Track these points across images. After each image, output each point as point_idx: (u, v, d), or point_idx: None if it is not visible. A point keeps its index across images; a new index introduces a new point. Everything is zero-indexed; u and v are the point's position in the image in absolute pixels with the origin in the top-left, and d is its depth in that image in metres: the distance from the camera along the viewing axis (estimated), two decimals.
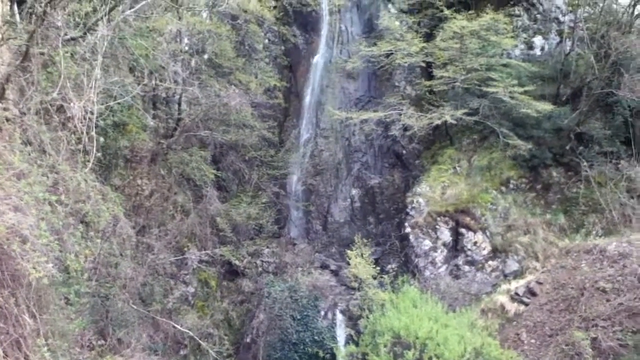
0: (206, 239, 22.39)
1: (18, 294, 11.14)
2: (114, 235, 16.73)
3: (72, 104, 12.83)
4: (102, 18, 13.23)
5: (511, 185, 22.39)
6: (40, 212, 11.36)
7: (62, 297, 14.10)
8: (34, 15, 13.37)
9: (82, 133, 12.58)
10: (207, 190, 22.73)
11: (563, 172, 22.23)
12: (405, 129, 23.73)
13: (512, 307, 19.13)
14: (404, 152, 26.22)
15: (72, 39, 13.64)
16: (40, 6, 12.81)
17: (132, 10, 14.96)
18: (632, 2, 21.58)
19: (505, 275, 20.57)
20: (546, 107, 21.17)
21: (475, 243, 21.26)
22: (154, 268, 19.91)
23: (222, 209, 22.95)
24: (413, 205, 22.67)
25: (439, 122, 22.29)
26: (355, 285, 20.40)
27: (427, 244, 21.80)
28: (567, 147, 21.95)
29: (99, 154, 13.66)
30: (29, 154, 12.48)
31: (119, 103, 16.24)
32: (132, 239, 18.18)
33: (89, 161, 13.00)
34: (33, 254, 10.46)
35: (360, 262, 20.38)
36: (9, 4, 14.44)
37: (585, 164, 21.15)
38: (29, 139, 12.85)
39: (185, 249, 21.71)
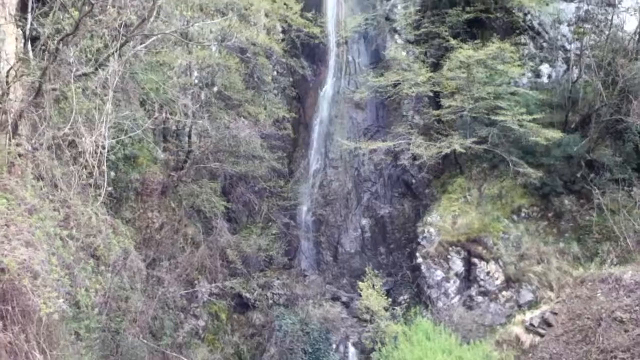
0: (216, 271, 22.30)
1: (28, 330, 11.08)
2: (125, 268, 16.68)
3: (83, 139, 12.96)
4: (113, 54, 13.41)
5: (523, 214, 22.19)
6: (51, 247, 11.37)
7: (73, 332, 14.01)
8: (46, 52, 13.63)
9: (94, 167, 12.67)
10: (217, 222, 22.72)
11: (575, 200, 22.03)
12: (415, 158, 23.73)
13: (527, 339, 18.76)
14: (414, 181, 26.16)
15: (84, 74, 13.83)
16: (53, 43, 13.06)
17: (143, 45, 15.17)
18: (638, 30, 21.67)
19: (520, 306, 20.24)
20: (555, 134, 21.13)
21: (488, 273, 21.00)
22: (164, 301, 19.79)
23: (232, 241, 22.90)
24: (424, 234, 22.51)
25: (448, 151, 22.29)
26: (367, 317, 20.19)
27: (439, 274, 21.56)
28: (578, 175, 21.79)
29: (110, 188, 13.73)
30: (41, 189, 12.55)
31: (130, 137, 16.36)
32: (142, 272, 18.12)
33: (100, 195, 13.05)
34: (44, 290, 10.43)
35: (371, 294, 20.17)
36: (22, 41, 14.72)
37: (597, 191, 20.95)
38: (40, 174, 12.93)
39: (196, 281, 21.61)
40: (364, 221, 27.00)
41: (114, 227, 14.93)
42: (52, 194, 12.74)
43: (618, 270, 18.97)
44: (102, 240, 13.60)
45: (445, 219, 22.67)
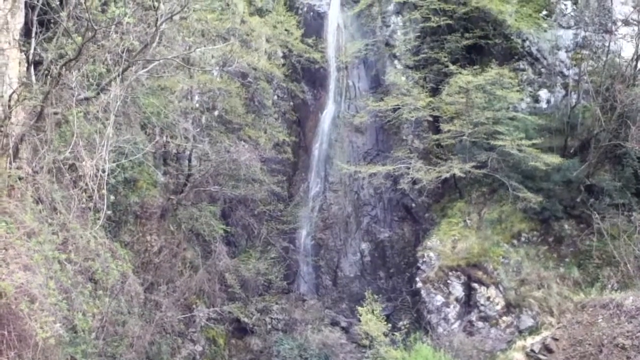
0: (215, 296, 22.15)
1: (24, 355, 10.97)
2: (122, 292, 16.58)
3: (84, 162, 13.00)
4: (115, 78, 13.53)
5: (523, 239, 22.14)
6: (49, 270, 11.35)
7: (69, 357, 13.87)
8: (49, 77, 13.76)
9: (93, 191, 12.68)
10: (216, 245, 22.64)
11: (575, 225, 21.99)
12: (414, 182, 23.76)
13: None
14: (414, 205, 26.15)
15: (86, 98, 13.94)
16: (56, 68, 13.19)
17: (145, 70, 15.31)
18: (635, 57, 21.88)
19: (520, 331, 20.05)
20: (554, 159, 21.20)
21: (488, 298, 20.86)
22: (162, 326, 19.61)
23: (231, 265, 22.79)
24: (424, 259, 22.41)
25: (447, 175, 22.34)
26: (367, 342, 19.93)
27: (439, 299, 21.42)
28: (578, 200, 21.79)
29: (109, 212, 13.72)
30: (40, 212, 12.57)
31: (130, 160, 16.41)
32: (140, 296, 18.00)
33: (99, 219, 13.05)
34: (41, 314, 10.38)
35: (371, 319, 19.96)
36: (25, 65, 14.86)
37: (597, 216, 20.93)
38: (40, 198, 12.96)
39: (194, 306, 21.46)
40: (364, 245, 26.92)
41: (113, 250, 14.90)
42: (52, 218, 12.75)
43: (619, 296, 18.83)
44: (100, 264, 13.57)
45: (445, 243, 22.60)
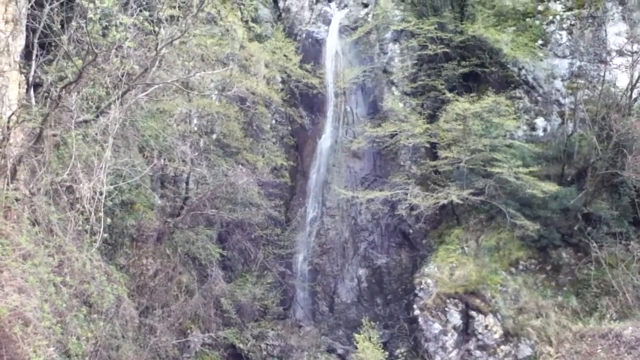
0: (210, 321, 21.89)
1: None
2: (117, 316, 16.37)
3: (81, 185, 12.98)
4: (115, 101, 13.60)
5: (520, 266, 22.05)
6: (44, 293, 11.24)
7: None
8: (49, 99, 13.82)
9: (90, 213, 12.64)
10: (212, 269, 22.47)
11: (573, 253, 21.94)
12: (412, 208, 23.74)
13: None
14: (411, 231, 26.09)
15: (85, 121, 13.99)
16: (56, 90, 13.25)
17: (145, 93, 15.39)
18: (630, 86, 22.10)
19: None
20: (552, 187, 21.23)
21: (486, 326, 20.67)
22: (156, 351, 19.31)
23: (227, 289, 22.60)
24: (421, 286, 22.25)
25: (445, 201, 22.33)
26: None
27: (436, 327, 21.21)
28: (575, 228, 21.78)
29: (106, 234, 13.64)
30: (37, 234, 12.50)
31: (128, 183, 16.39)
32: (134, 320, 17.79)
33: (95, 241, 12.98)
34: (34, 337, 10.25)
35: (368, 347, 19.75)
36: (25, 87, 14.92)
37: (594, 244, 20.90)
38: (37, 219, 12.90)
39: (188, 330, 21.17)
40: (361, 271, 26.75)
41: (108, 274, 14.81)
42: (48, 240, 12.69)
43: (618, 325, 18.72)
44: (95, 288, 13.47)
45: (443, 270, 22.48)
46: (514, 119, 23.48)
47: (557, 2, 25.38)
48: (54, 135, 13.55)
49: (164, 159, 20.36)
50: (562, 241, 22.02)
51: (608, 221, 21.35)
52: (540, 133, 25.10)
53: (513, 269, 22.01)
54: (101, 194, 12.67)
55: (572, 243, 22.05)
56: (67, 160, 13.40)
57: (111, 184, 14.53)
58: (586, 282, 21.14)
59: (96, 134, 14.00)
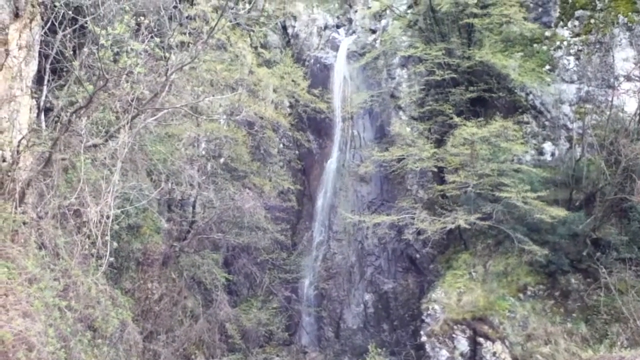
0: (214, 346, 21.72)
1: None
2: (121, 341, 16.28)
3: (88, 208, 13.03)
4: (124, 126, 13.72)
5: (529, 292, 21.79)
6: (49, 318, 11.22)
7: None
8: (59, 124, 13.97)
9: (97, 237, 12.66)
10: (217, 294, 22.38)
11: (582, 279, 21.67)
12: (419, 232, 23.63)
13: None
14: (418, 256, 25.92)
15: (94, 145, 14.11)
16: (66, 115, 13.41)
17: (154, 118, 15.52)
18: (638, 111, 22.07)
19: None
20: (560, 212, 21.07)
21: (494, 353, 20.36)
22: None
23: (232, 314, 22.47)
24: (428, 312, 22.02)
25: (452, 226, 22.18)
26: None
27: (444, 354, 20.91)
28: (584, 253, 21.55)
29: (112, 258, 13.65)
30: (43, 258, 12.52)
31: (135, 207, 16.44)
32: (139, 345, 17.67)
33: (101, 265, 12.98)
34: None
35: None
36: (36, 112, 15.12)
37: (603, 270, 20.63)
38: (43, 243, 12.94)
39: (193, 356, 20.98)
40: (367, 296, 26.54)
41: (113, 298, 14.77)
42: (54, 263, 12.71)
43: (629, 353, 18.36)
44: (100, 312, 13.44)
45: (450, 295, 22.25)
46: (521, 143, 23.42)
47: (565, 28, 25.51)
48: (63, 159, 13.67)
49: (172, 183, 20.45)
50: (571, 267, 21.75)
51: (617, 246, 21.12)
52: (548, 158, 25.02)
53: (521, 295, 21.75)
54: (108, 217, 12.70)
55: (581, 269, 21.78)
56: (76, 184, 13.50)
57: (118, 208, 14.57)
58: (596, 309, 20.82)
59: (105, 158, 14.12)
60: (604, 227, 21.58)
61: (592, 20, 24.85)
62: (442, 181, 24.75)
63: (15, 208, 12.66)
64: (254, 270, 24.97)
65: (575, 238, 21.68)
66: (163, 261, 21.14)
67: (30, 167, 13.54)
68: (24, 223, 12.73)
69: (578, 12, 25.16)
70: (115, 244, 13.22)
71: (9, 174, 12.75)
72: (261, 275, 25.31)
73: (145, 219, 20.57)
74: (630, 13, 24.04)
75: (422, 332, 21.84)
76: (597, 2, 24.89)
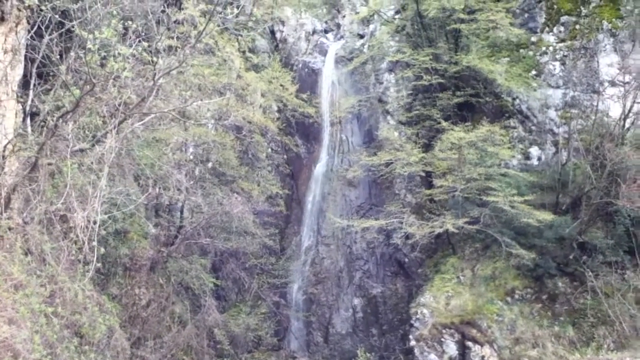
0: (203, 352, 21.55)
1: None
2: (108, 348, 16.10)
3: (75, 214, 12.91)
4: (111, 130, 13.63)
5: (516, 296, 21.91)
6: (35, 324, 11.09)
7: None
8: (45, 128, 13.83)
9: (84, 243, 12.54)
10: (205, 299, 22.23)
11: (568, 282, 21.82)
12: (407, 237, 23.66)
13: None
14: (407, 260, 25.98)
15: (81, 150, 13.99)
16: (53, 119, 13.29)
17: (141, 122, 15.42)
18: (622, 116, 22.33)
19: None
20: (547, 216, 21.22)
21: (482, 357, 20.43)
22: None
23: (220, 320, 22.31)
24: (417, 316, 22.06)
25: (440, 230, 22.25)
26: None
27: (432, 358, 20.94)
28: (571, 257, 21.71)
29: (99, 264, 13.52)
30: (29, 264, 12.38)
31: (122, 212, 16.31)
32: (126, 351, 17.49)
33: (88, 271, 12.86)
34: None
35: None
36: (22, 116, 14.96)
37: (590, 274, 20.80)
38: (29, 249, 12.79)
39: None
40: (356, 301, 26.55)
41: (100, 304, 14.64)
42: (40, 269, 12.56)
43: (615, 356, 18.51)
44: (87, 318, 13.30)
45: (439, 300, 22.31)
46: (508, 148, 23.59)
47: (550, 33, 25.78)
48: (49, 164, 13.54)
49: (159, 188, 20.33)
50: (558, 270, 21.91)
51: (603, 250, 21.30)
52: (535, 162, 25.23)
53: (509, 299, 21.86)
54: (95, 222, 12.59)
55: (567, 272, 21.95)
56: (62, 189, 13.37)
57: (105, 213, 14.45)
58: (583, 312, 20.98)
59: (92, 163, 13.99)
60: (590, 230, 21.76)
61: (577, 26, 25.14)
62: (430, 185, 24.86)
63: (1, 214, 12.52)
64: (242, 275, 24.86)
65: (562, 242, 21.85)
66: (151, 266, 20.99)
67: (16, 172, 13.40)
68: (10, 229, 12.59)
69: (563, 18, 25.44)
70: (102, 250, 13.08)
71: None
72: (250, 280, 25.21)
73: (133, 224, 20.42)
74: (614, 19, 24.36)
75: (411, 337, 21.86)
76: (582, 8, 25.18)
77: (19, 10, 14.76)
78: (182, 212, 22.55)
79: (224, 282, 24.79)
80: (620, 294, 20.35)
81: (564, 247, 21.89)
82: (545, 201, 22.91)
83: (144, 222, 21.06)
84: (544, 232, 21.74)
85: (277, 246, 27.10)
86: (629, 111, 22.00)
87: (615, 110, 23.26)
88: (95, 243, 12.50)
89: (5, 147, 12.96)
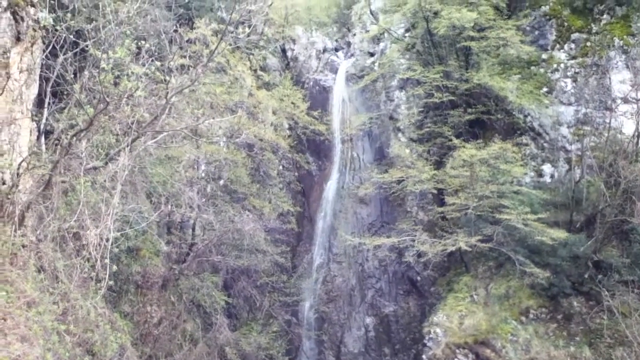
0: None
1: None
2: None
3: (88, 231, 12.94)
4: (124, 148, 13.70)
5: (531, 315, 21.60)
6: (47, 342, 11.05)
7: None
8: (59, 146, 13.94)
9: (96, 260, 12.55)
10: (217, 317, 22.17)
11: (584, 302, 21.49)
12: (419, 255, 23.50)
13: None
14: (419, 278, 25.76)
15: (94, 168, 14.07)
16: (67, 138, 13.39)
17: (154, 140, 15.51)
18: (636, 134, 22.15)
19: None
20: (561, 234, 21.01)
21: None
22: None
23: (231, 338, 22.21)
24: (430, 335, 21.79)
25: (453, 248, 22.08)
26: None
27: None
28: (586, 276, 21.42)
29: (111, 282, 13.52)
30: (42, 281, 12.39)
31: (135, 229, 16.34)
32: None
33: (100, 289, 12.85)
34: None
35: None
36: (36, 134, 15.11)
37: (606, 293, 20.42)
38: (43, 266, 12.81)
39: None
40: (368, 320, 26.31)
41: (112, 322, 14.61)
42: (53, 287, 12.56)
43: None
44: (99, 336, 13.25)
45: (452, 319, 22.04)
46: (521, 165, 23.46)
47: (561, 50, 25.75)
48: (63, 182, 13.60)
49: (171, 205, 20.38)
50: (573, 289, 21.62)
51: (619, 269, 20.99)
52: (548, 179, 25.03)
53: (523, 318, 21.55)
54: (107, 240, 12.61)
55: (583, 291, 21.63)
56: (75, 206, 13.43)
57: (118, 231, 14.49)
58: (599, 332, 20.61)
59: (105, 181, 14.07)
60: (605, 249, 21.49)
61: (588, 43, 25.08)
62: (442, 203, 24.72)
63: (15, 231, 12.56)
64: (253, 293, 24.77)
65: (577, 260, 21.57)
66: (162, 284, 20.98)
67: (30, 189, 13.48)
68: (23, 246, 12.62)
69: (574, 36, 25.41)
70: (114, 267, 13.08)
71: (9, 196, 12.68)
72: (261, 298, 25.10)
73: (145, 241, 20.46)
74: (625, 36, 24.28)
75: (424, 356, 21.59)
76: (593, 26, 25.15)
77: (35, 30, 14.98)
78: (194, 229, 22.58)
79: (236, 300, 24.71)
80: (638, 314, 19.96)
81: (578, 266, 21.61)
82: (559, 219, 22.68)
83: (156, 239, 21.09)
84: (558, 251, 21.49)
85: (289, 264, 27.00)
86: None
87: (628, 127, 23.09)
88: (107, 260, 12.50)
89: (19, 165, 13.05)
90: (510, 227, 21.65)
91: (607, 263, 21.18)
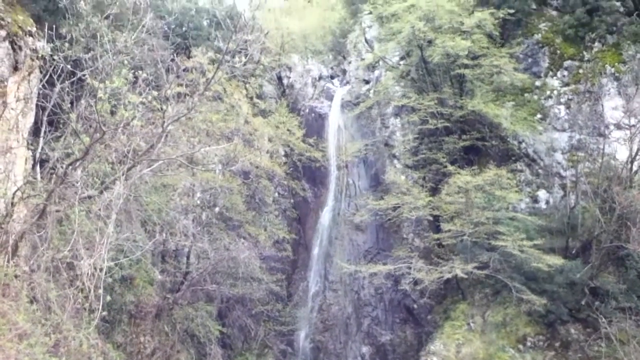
0: None
1: None
2: None
3: (82, 261, 12.83)
4: (119, 177, 13.67)
5: (529, 343, 21.40)
6: None
7: None
8: (54, 175, 13.92)
9: (90, 290, 12.42)
10: (211, 348, 21.84)
11: (581, 329, 21.34)
12: (416, 282, 23.35)
13: None
14: (415, 306, 25.56)
15: (89, 197, 14.01)
16: (62, 167, 13.38)
17: (149, 169, 15.50)
18: (629, 160, 22.30)
19: None
20: (557, 260, 20.95)
21: None
22: None
23: None
24: None
25: (449, 275, 21.99)
26: None
27: None
28: (583, 302, 21.31)
29: (104, 312, 13.35)
30: (34, 312, 12.23)
31: (129, 258, 16.21)
32: None
33: (94, 319, 12.68)
34: None
35: None
36: (31, 163, 15.09)
37: (603, 320, 20.30)
38: (35, 297, 12.67)
39: None
40: (364, 349, 25.99)
41: (105, 353, 14.41)
42: (45, 318, 12.40)
43: None
44: None
45: (449, 348, 21.82)
46: (516, 191, 23.50)
47: (554, 77, 26.05)
48: (57, 211, 13.54)
49: (166, 233, 20.27)
50: (570, 316, 21.48)
51: (616, 295, 20.90)
52: (543, 205, 25.05)
53: (521, 346, 21.37)
54: (101, 270, 12.50)
55: (580, 318, 21.50)
56: (69, 235, 13.34)
57: (112, 260, 14.36)
58: None
59: (99, 210, 13.98)
60: (602, 275, 21.43)
61: (581, 71, 25.41)
62: (437, 229, 24.67)
63: (8, 261, 12.46)
64: (248, 323, 24.48)
65: (573, 287, 21.48)
66: (156, 314, 20.72)
67: (24, 219, 13.41)
68: (16, 276, 12.51)
69: (567, 63, 25.74)
70: (108, 297, 12.94)
71: (2, 226, 12.60)
72: (256, 328, 24.80)
73: (139, 270, 20.28)
74: (617, 63, 24.63)
75: None
76: (585, 53, 25.51)
77: (32, 59, 15.10)
78: (188, 257, 22.41)
79: (230, 329, 24.40)
80: (636, 342, 19.83)
81: (575, 293, 21.51)
82: (555, 245, 22.65)
83: (150, 268, 20.91)
84: (554, 277, 21.40)
85: (284, 292, 26.76)
86: (636, 154, 21.98)
87: (622, 153, 23.25)
88: (101, 291, 12.37)
89: (14, 194, 13.01)
90: (507, 254, 21.60)
91: (604, 289, 21.10)
